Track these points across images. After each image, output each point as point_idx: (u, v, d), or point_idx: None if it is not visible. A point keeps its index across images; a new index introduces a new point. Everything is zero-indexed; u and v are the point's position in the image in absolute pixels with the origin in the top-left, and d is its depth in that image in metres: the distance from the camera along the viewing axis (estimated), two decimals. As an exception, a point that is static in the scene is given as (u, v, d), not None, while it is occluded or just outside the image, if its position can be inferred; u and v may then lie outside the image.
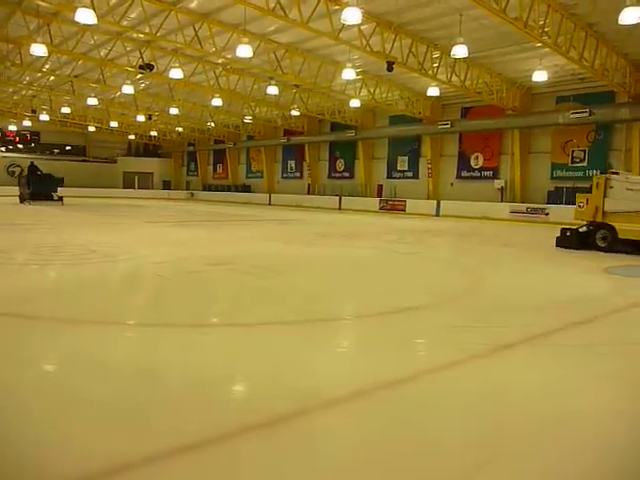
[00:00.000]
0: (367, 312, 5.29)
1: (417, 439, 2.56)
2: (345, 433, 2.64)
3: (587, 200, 11.43)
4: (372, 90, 23.82)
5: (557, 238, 11.78)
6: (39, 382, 3.19)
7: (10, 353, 3.63)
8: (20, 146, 43.62)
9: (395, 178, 29.66)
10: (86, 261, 7.97)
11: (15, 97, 32.36)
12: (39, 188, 24.58)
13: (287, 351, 3.86)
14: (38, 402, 2.87)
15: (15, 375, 3.22)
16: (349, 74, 18.63)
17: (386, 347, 4.02)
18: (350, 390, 3.10)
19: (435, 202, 25.98)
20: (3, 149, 42.42)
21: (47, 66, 23.50)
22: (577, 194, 12.36)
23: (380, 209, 28.21)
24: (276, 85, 22.66)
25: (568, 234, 11.59)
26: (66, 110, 32.34)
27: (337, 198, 31.01)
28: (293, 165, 36.67)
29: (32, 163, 26.61)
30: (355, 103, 24.59)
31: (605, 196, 11.08)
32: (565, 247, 11.39)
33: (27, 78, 26.62)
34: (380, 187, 30.15)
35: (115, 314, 4.87)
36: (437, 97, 23.44)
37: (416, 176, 28.50)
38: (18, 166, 39.25)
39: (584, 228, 11.44)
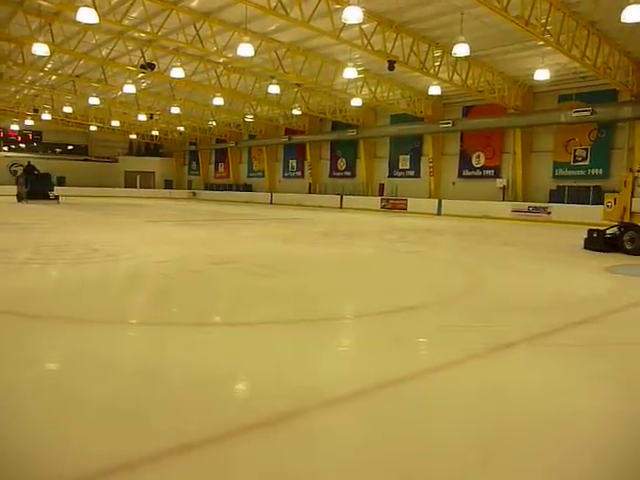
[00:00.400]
0: (369, 311, 5.28)
1: (419, 439, 2.55)
2: (347, 432, 2.63)
3: (615, 200, 10.80)
4: (373, 89, 23.80)
5: (585, 240, 11.05)
6: (39, 382, 3.18)
7: (10, 353, 3.62)
8: (22, 145, 43.71)
9: (397, 177, 29.65)
10: (89, 260, 7.97)
11: (17, 96, 32.45)
12: (36, 187, 25.13)
13: (289, 350, 3.85)
14: (37, 402, 2.86)
15: (15, 375, 3.21)
16: (350, 73, 18.64)
17: (388, 346, 4.01)
18: (352, 389, 3.09)
19: (437, 201, 25.97)
20: (5, 148, 42.53)
21: (49, 66, 23.52)
22: (605, 194, 11.66)
23: (381, 208, 28.21)
24: (277, 84, 22.65)
25: (595, 235, 10.85)
26: (68, 109, 32.43)
27: (338, 197, 31.02)
28: (294, 164, 36.65)
29: (29, 163, 27.36)
30: (356, 102, 24.58)
31: (633, 195, 10.42)
32: (594, 250, 10.63)
33: (29, 77, 26.71)
34: (381, 186, 30.15)
35: (118, 313, 4.86)
36: (438, 96, 23.38)
37: (418, 175, 28.49)
38: (20, 165, 39.25)
39: (613, 229, 10.77)
